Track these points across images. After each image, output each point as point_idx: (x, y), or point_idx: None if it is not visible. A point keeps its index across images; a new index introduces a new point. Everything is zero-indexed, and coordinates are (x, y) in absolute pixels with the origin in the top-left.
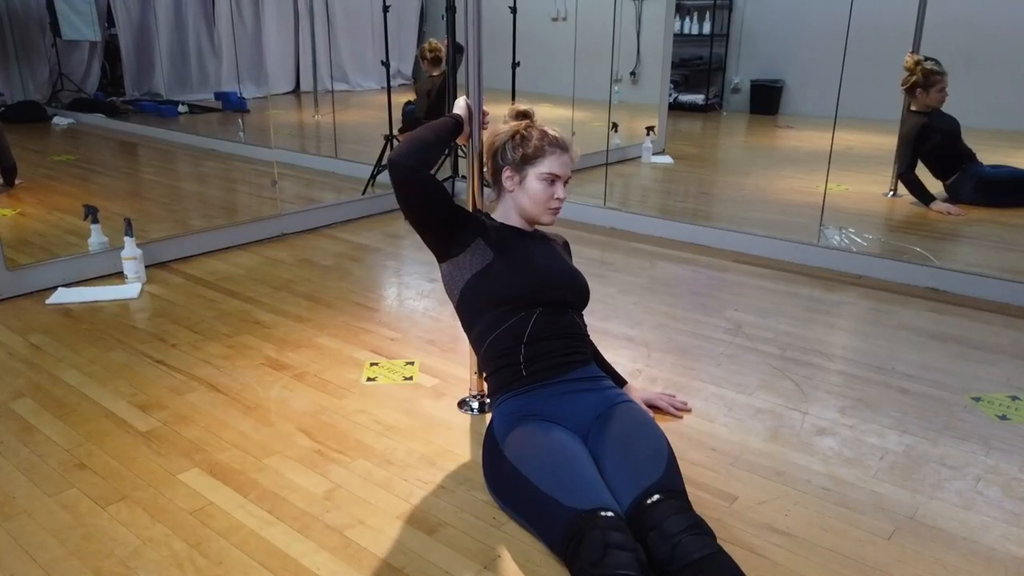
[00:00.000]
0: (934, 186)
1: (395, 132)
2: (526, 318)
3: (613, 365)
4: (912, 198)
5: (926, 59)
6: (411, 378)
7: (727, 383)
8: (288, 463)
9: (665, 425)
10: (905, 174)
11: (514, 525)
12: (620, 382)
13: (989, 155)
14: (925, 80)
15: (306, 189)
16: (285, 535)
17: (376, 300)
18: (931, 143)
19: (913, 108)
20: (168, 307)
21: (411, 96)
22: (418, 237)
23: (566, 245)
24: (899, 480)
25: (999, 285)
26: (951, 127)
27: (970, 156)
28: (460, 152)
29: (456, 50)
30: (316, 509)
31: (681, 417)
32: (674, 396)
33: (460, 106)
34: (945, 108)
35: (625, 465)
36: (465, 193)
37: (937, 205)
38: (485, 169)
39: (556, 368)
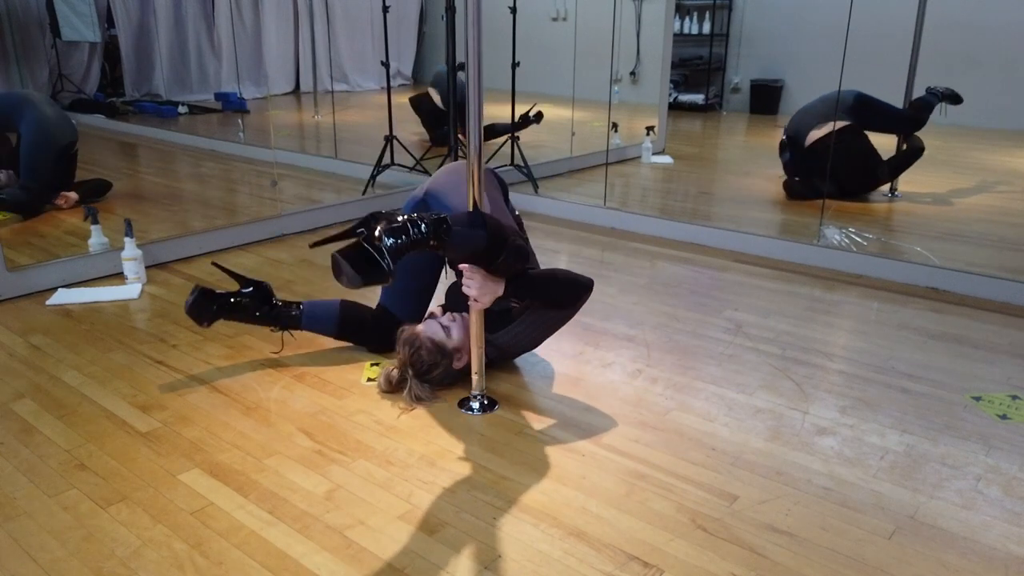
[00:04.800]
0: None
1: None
2: None
3: (612, 364)
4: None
5: None
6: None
7: (727, 383)
8: (288, 463)
9: (665, 426)
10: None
11: (515, 526)
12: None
13: (989, 155)
14: None
15: (306, 190)
16: (285, 535)
17: (376, 300)
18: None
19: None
20: (168, 308)
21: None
22: None
23: None
24: (899, 480)
25: (999, 284)
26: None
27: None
28: (460, 152)
29: (457, 67)
30: (316, 509)
31: None
32: None
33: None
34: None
35: None
36: (465, 193)
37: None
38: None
39: None
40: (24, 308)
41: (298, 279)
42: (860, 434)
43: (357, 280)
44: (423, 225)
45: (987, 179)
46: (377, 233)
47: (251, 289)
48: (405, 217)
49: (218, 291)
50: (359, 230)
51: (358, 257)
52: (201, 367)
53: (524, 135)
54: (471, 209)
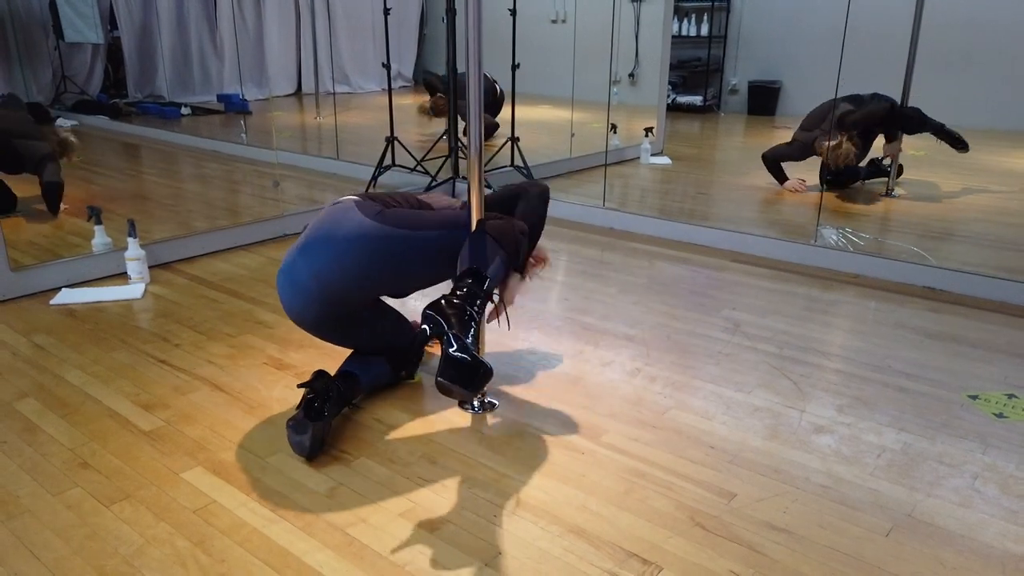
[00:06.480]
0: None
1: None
2: None
3: (612, 363)
4: (908, 197)
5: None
6: (412, 377)
7: (725, 382)
8: (290, 462)
9: (663, 425)
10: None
11: (515, 523)
12: None
13: (987, 155)
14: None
15: (308, 190)
16: (288, 533)
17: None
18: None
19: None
20: (171, 307)
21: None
22: None
23: None
24: (897, 478)
25: (996, 284)
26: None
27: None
28: (461, 153)
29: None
30: (318, 507)
31: None
32: None
33: None
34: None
35: None
36: (466, 194)
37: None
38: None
39: None
40: (28, 308)
41: None
42: (857, 432)
43: (471, 394)
44: (477, 300)
45: (985, 179)
46: (455, 335)
47: (316, 384)
48: (458, 302)
49: (308, 415)
50: (430, 335)
51: (457, 371)
52: (204, 366)
53: (525, 136)
54: (473, 227)
